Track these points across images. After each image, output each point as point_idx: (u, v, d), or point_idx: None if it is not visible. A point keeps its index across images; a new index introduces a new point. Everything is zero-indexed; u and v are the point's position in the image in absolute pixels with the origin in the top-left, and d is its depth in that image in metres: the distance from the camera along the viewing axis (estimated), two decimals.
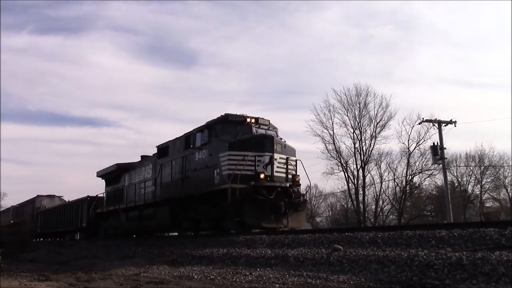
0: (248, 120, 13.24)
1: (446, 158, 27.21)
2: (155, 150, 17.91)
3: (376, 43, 77.94)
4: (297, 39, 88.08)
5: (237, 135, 12.64)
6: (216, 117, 13.55)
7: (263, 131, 13.16)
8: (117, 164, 20.83)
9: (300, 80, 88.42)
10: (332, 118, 35.21)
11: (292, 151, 13.07)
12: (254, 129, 13.10)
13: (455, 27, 76.65)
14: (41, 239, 34.18)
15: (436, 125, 26.37)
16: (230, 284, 6.01)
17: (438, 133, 26.03)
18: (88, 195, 24.70)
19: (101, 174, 22.70)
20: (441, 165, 26.29)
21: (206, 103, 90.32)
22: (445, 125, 26.13)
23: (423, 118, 27.78)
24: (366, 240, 7.74)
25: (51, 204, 34.30)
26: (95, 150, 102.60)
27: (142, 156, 19.74)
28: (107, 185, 22.22)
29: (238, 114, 13.54)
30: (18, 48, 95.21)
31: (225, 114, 13.46)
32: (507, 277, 4.50)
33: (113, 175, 21.26)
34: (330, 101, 36.01)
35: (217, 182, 12.35)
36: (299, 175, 12.86)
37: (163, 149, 16.22)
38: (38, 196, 36.30)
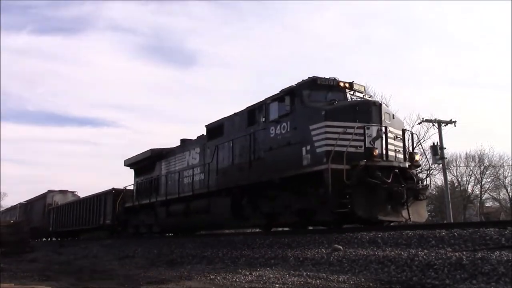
0: (342, 84, 10.75)
1: (446, 158, 27.21)
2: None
3: (376, 44, 77.92)
4: (296, 39, 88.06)
5: (328, 103, 10.28)
6: (298, 82, 10.90)
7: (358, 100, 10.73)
8: (151, 149, 17.97)
9: (298, 80, 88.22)
10: None
11: (400, 124, 10.76)
12: (348, 96, 10.78)
13: (454, 27, 76.64)
14: (53, 238, 31.91)
15: (436, 125, 26.36)
16: (230, 284, 6.02)
17: (438, 133, 26.04)
18: (113, 188, 21.76)
19: (130, 163, 19.86)
20: (441, 165, 26.31)
21: (206, 103, 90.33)
22: (445, 125, 26.12)
23: (423, 118, 27.68)
24: (366, 240, 7.74)
25: (64, 200, 31.20)
26: (95, 150, 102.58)
27: (182, 140, 16.96)
28: (137, 175, 19.32)
29: (328, 77, 10.89)
30: (18, 48, 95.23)
31: (313, 76, 10.83)
32: (507, 277, 4.50)
33: (145, 163, 18.46)
34: None
35: (307, 163, 9.88)
36: (417, 153, 10.68)
37: (216, 129, 13.66)
38: (49, 191, 33.20)
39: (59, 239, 29.98)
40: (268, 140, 11.18)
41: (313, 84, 10.66)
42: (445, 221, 28.26)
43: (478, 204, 44.10)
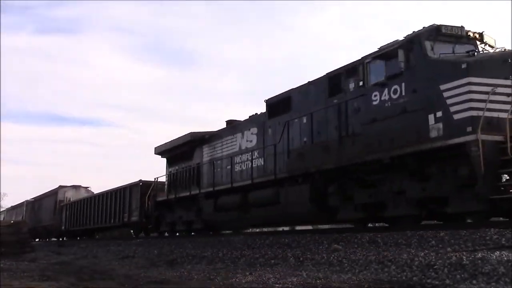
0: (471, 34, 8.75)
1: None
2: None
3: (374, 44, 77.91)
4: (296, 40, 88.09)
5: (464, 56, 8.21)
6: (415, 31, 8.82)
7: None
8: (190, 133, 15.56)
9: (299, 80, 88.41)
10: None
11: None
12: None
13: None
14: (66, 238, 29.15)
15: None
16: (230, 284, 6.02)
17: None
18: (140, 180, 19.49)
19: (162, 151, 17.45)
20: None
21: (205, 103, 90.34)
22: None
23: None
24: (366, 240, 7.75)
25: (76, 196, 29.08)
26: (95, 150, 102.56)
27: (229, 121, 14.86)
28: (171, 164, 16.95)
29: (453, 25, 8.78)
30: (17, 48, 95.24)
31: (435, 24, 8.70)
32: (507, 277, 4.50)
33: (182, 149, 16.11)
34: None
35: (437, 135, 7.80)
36: None
37: (281, 103, 11.52)
38: (60, 187, 30.51)
39: (78, 238, 27.60)
40: (369, 109, 9.05)
41: (437, 33, 8.50)
42: None
43: None
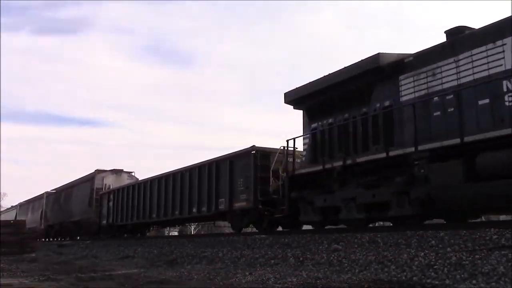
0: None
1: None
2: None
3: (373, 44, 77.99)
4: (294, 40, 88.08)
5: None
6: None
7: None
8: (377, 55, 9.74)
9: (297, 81, 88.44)
10: None
11: None
12: None
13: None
14: (106, 234, 23.38)
15: None
16: (230, 284, 6.02)
17: None
18: (253, 146, 13.59)
19: (300, 96, 11.81)
20: None
21: (204, 103, 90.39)
22: None
23: None
24: (366, 240, 7.75)
25: (119, 182, 24.43)
26: (94, 150, 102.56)
27: (455, 30, 9.12)
28: (315, 117, 11.57)
29: None
30: (17, 49, 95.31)
31: None
32: (507, 277, 4.50)
33: (343, 89, 10.69)
34: None
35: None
36: None
37: None
38: (98, 171, 25.55)
39: (126, 235, 22.21)
40: None
41: None
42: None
43: None
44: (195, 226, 34.51)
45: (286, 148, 11.99)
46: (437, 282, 4.85)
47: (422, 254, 5.92)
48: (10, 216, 40.16)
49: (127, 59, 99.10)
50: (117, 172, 25.74)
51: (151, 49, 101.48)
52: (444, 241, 6.60)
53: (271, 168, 12.78)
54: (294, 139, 11.86)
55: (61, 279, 7.64)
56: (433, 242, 6.72)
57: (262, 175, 13.10)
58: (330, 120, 11.35)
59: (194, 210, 15.60)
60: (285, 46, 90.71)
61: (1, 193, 67.67)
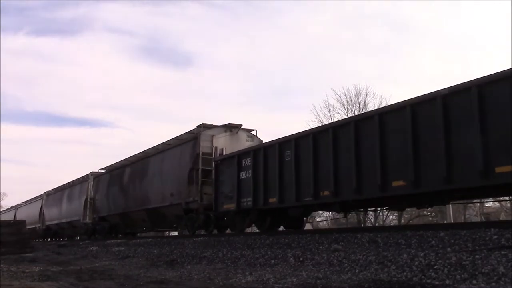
0: None
1: None
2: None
3: (371, 45, 77.98)
4: (291, 40, 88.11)
5: None
6: None
7: None
8: None
9: (296, 81, 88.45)
10: (332, 118, 35.07)
11: None
12: None
13: (449, 28, 76.67)
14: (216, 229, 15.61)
15: None
16: (230, 284, 6.02)
17: None
18: None
19: None
20: None
21: (202, 104, 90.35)
22: None
23: None
24: (366, 240, 7.75)
25: (237, 145, 15.88)
26: (94, 150, 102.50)
27: None
28: None
29: None
30: (16, 49, 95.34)
31: None
32: (507, 277, 4.50)
33: None
34: (329, 101, 35.68)
35: None
36: None
37: None
38: (203, 126, 16.20)
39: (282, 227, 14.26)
40: None
41: None
42: (445, 221, 28.28)
43: (478, 204, 44.10)
44: None
45: None
46: (437, 282, 4.85)
47: (422, 254, 5.92)
48: (34, 208, 35.75)
49: (126, 59, 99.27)
50: (230, 127, 16.27)
51: (150, 49, 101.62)
52: (444, 241, 6.60)
53: None
54: None
55: (61, 279, 7.65)
56: (433, 242, 6.73)
57: None
58: None
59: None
60: (283, 46, 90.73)
61: (1, 193, 67.63)
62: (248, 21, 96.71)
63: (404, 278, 5.27)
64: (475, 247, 5.93)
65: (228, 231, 15.85)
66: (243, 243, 10.35)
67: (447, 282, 4.80)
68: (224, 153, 15.71)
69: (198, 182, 15.71)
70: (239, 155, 13.87)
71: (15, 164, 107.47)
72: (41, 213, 34.26)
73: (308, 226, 27.57)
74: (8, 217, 40.03)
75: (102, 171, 25.40)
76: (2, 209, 53.72)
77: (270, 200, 12.48)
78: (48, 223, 32.91)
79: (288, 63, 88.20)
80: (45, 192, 34.34)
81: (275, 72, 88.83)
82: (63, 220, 29.58)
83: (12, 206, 45.55)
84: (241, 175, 13.60)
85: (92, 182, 25.35)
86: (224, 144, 16.39)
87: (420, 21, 77.04)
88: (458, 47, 76.13)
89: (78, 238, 29.26)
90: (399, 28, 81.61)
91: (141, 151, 21.43)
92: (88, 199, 25.01)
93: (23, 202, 41.12)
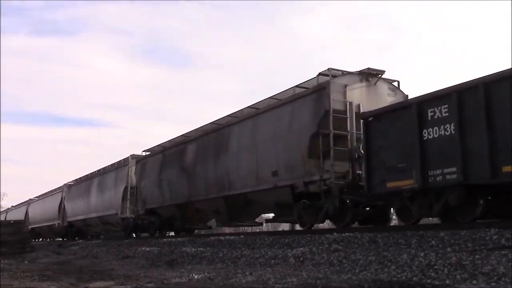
0: None
1: None
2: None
3: (370, 45, 78.00)
4: (289, 40, 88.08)
5: None
6: None
7: None
8: None
9: (294, 81, 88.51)
10: None
11: None
12: None
13: (447, 28, 76.72)
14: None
15: None
16: (230, 284, 6.02)
17: None
18: None
19: None
20: None
21: (201, 104, 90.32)
22: None
23: None
24: (366, 240, 7.75)
25: (373, 100, 11.46)
26: (94, 151, 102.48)
27: None
28: None
29: None
30: (15, 50, 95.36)
31: None
32: (507, 277, 4.50)
33: None
34: None
35: None
36: None
37: None
38: (330, 72, 11.61)
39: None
40: None
41: None
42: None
43: None
44: None
45: None
46: (437, 282, 4.85)
47: (422, 254, 5.92)
48: (51, 202, 31.24)
49: (125, 59, 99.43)
50: (369, 77, 11.96)
51: (149, 49, 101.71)
52: (444, 241, 6.60)
53: None
54: None
55: (61, 279, 7.65)
56: (433, 242, 6.72)
57: None
58: None
59: None
60: (281, 46, 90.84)
61: (1, 193, 67.61)
62: (246, 21, 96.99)
63: (404, 278, 5.27)
64: (475, 247, 5.92)
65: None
66: (243, 243, 10.36)
67: (447, 282, 4.80)
68: (361, 111, 11.09)
69: (330, 153, 10.90)
70: (421, 103, 9.13)
71: (16, 164, 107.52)
72: (60, 208, 29.30)
73: None
74: (19, 213, 36.68)
75: (146, 153, 20.11)
76: (2, 209, 53.47)
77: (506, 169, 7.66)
78: (70, 219, 27.76)
79: (286, 63, 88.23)
80: (65, 184, 29.70)
81: (273, 72, 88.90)
82: (92, 215, 24.39)
83: (23, 201, 40.19)
84: (426, 134, 8.92)
85: (134, 167, 20.46)
86: (360, 99, 11.59)
87: (415, 21, 77.02)
88: (456, 47, 76.15)
89: (103, 235, 24.76)
90: (395, 28, 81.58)
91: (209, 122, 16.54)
92: (129, 188, 20.51)
93: (35, 197, 36.73)
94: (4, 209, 51.83)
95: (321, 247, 8.06)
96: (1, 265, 10.54)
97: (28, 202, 37.68)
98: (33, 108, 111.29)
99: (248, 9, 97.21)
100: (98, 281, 7.17)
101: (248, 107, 14.76)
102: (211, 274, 6.98)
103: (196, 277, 6.96)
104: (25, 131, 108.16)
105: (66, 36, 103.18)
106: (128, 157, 21.39)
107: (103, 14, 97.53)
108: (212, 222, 16.89)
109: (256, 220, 16.85)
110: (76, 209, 26.97)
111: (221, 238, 12.34)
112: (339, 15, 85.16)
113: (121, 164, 22.18)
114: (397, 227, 8.88)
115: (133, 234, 21.02)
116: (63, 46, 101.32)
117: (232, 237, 12.39)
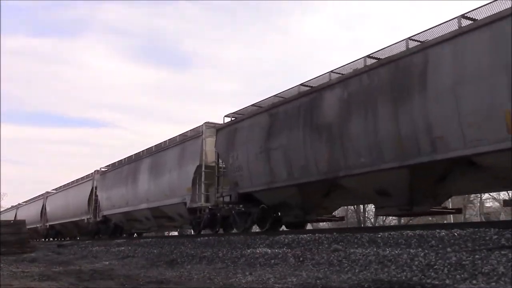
0: None
1: None
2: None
3: (368, 45, 78.08)
4: (289, 40, 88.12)
5: None
6: None
7: None
8: None
9: (293, 81, 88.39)
10: None
11: None
12: None
13: None
14: None
15: None
16: (230, 284, 6.02)
17: None
18: None
19: None
20: None
21: (200, 104, 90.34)
22: None
23: None
24: (366, 240, 7.75)
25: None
26: (93, 151, 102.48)
27: None
28: None
29: None
30: (15, 50, 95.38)
31: None
32: (507, 277, 4.50)
33: None
34: None
35: None
36: None
37: None
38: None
39: None
40: None
41: None
42: (445, 221, 28.27)
43: (478, 204, 44.08)
44: None
45: None
46: (437, 282, 4.85)
47: (422, 254, 5.92)
48: (77, 195, 26.36)
49: (125, 59, 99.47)
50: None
51: (150, 50, 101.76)
52: (444, 241, 6.60)
53: None
54: None
55: (61, 279, 7.65)
56: (433, 242, 6.72)
57: None
58: None
59: None
60: (280, 46, 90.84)
61: (1, 193, 67.63)
62: (245, 22, 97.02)
63: (404, 278, 5.27)
64: (475, 247, 5.92)
65: None
66: (243, 243, 10.35)
67: (447, 282, 4.80)
68: None
69: None
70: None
71: (16, 164, 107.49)
72: (91, 200, 24.19)
73: (308, 226, 27.40)
74: (35, 208, 33.39)
75: (230, 118, 14.58)
76: (2, 209, 53.41)
77: None
78: (106, 212, 22.46)
79: (285, 63, 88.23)
80: (96, 170, 24.37)
81: (272, 72, 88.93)
82: (141, 206, 18.92)
83: (40, 194, 34.45)
84: None
85: (210, 139, 15.33)
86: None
87: (415, 21, 77.08)
88: None
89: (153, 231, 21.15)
90: (394, 28, 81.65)
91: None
92: (203, 168, 15.29)
93: (53, 190, 31.84)
94: (3, 208, 51.67)
95: (321, 247, 8.06)
96: (1, 265, 10.54)
97: (45, 196, 32.52)
98: (33, 108, 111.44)
99: (248, 9, 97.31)
100: (98, 281, 7.17)
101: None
102: (211, 274, 6.98)
103: (196, 277, 6.96)
104: (26, 131, 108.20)
105: (66, 36, 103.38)
106: (202, 125, 15.89)
107: (103, 14, 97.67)
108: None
109: None
110: (115, 200, 21.50)
111: (221, 238, 12.33)
112: (338, 15, 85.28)
113: (189, 137, 16.83)
114: (397, 227, 8.88)
115: (208, 229, 15.70)
116: (63, 46, 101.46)
117: (232, 237, 12.38)
